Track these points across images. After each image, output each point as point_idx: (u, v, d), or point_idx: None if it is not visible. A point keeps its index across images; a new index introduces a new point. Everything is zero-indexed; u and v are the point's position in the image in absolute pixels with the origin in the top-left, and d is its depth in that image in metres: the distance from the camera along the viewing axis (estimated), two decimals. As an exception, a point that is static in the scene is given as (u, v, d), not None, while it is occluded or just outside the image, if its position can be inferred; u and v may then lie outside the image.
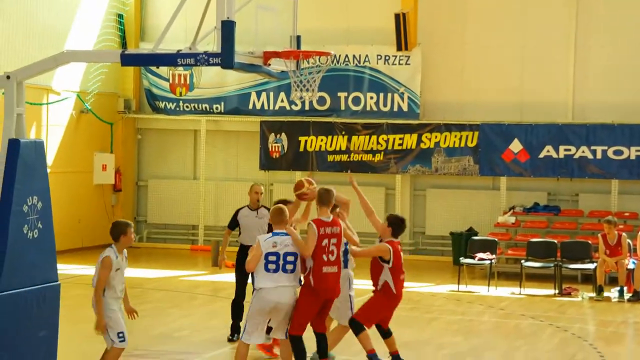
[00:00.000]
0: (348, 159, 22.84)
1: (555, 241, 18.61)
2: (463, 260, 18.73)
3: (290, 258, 9.54)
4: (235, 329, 12.14)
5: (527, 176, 21.65)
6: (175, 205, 24.38)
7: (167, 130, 24.58)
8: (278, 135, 23.28)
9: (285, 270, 9.51)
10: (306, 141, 23.08)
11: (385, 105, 22.64)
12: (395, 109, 22.56)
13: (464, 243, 20.12)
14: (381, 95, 22.66)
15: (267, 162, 23.50)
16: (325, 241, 9.68)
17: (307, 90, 16.40)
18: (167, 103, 24.11)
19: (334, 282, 9.78)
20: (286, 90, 21.34)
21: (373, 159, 22.67)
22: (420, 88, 22.39)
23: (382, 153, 22.57)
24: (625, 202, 21.09)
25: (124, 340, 9.43)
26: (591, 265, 17.75)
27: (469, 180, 22.28)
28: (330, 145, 22.92)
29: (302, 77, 15.83)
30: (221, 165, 24.34)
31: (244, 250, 11.94)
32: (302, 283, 9.81)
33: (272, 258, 9.47)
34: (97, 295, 9.31)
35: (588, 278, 18.38)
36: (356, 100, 22.86)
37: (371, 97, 22.74)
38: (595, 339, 13.00)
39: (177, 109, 24.05)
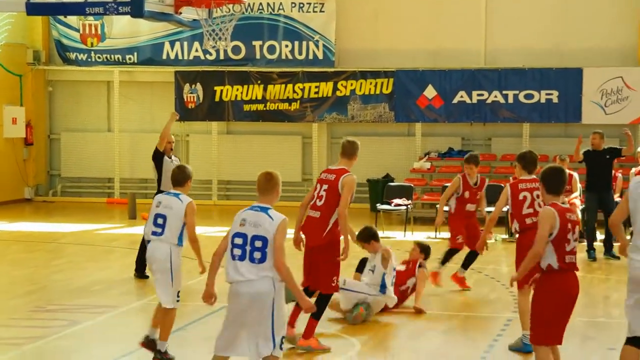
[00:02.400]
0: (264, 108, 22.76)
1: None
2: (380, 206, 18.93)
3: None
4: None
5: (441, 122, 21.91)
6: (90, 158, 24.03)
7: (79, 82, 24.11)
8: (193, 86, 23.05)
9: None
10: (222, 91, 22.91)
11: (300, 53, 22.56)
12: (311, 57, 22.51)
13: (380, 189, 20.31)
14: (296, 43, 22.57)
15: (183, 113, 23.23)
16: (318, 185, 9.37)
17: (220, 39, 16.29)
18: (78, 54, 23.60)
19: (311, 227, 9.29)
20: (200, 39, 21.06)
21: (289, 107, 22.64)
22: (335, 35, 22.36)
23: (298, 102, 22.55)
24: (536, 145, 21.45)
25: (178, 301, 8.77)
26: (504, 208, 18.04)
27: (384, 127, 22.45)
28: (246, 95, 22.79)
29: (215, 25, 15.71)
30: (136, 117, 24.02)
31: None
32: None
33: None
34: (196, 246, 8.33)
35: (501, 220, 18.74)
36: (271, 49, 22.73)
37: (286, 46, 22.63)
38: (508, 279, 13.31)
39: (89, 60, 23.58)
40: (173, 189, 8.97)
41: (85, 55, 23.57)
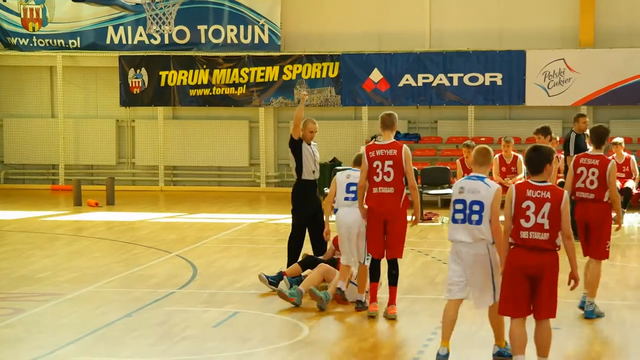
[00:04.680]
0: (210, 93, 22.65)
1: (416, 168, 19.01)
2: (327, 190, 18.93)
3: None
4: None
5: (387, 105, 21.95)
6: (33, 144, 23.71)
7: (21, 67, 23.75)
8: (138, 71, 22.84)
9: None
10: (167, 76, 22.74)
11: (246, 37, 22.47)
12: (256, 41, 22.43)
13: (328, 173, 20.34)
14: (241, 27, 22.47)
15: (128, 98, 23.07)
16: (377, 162, 9.84)
17: (164, 23, 16.21)
18: (19, 39, 23.23)
19: (389, 202, 9.82)
20: (144, 24, 20.92)
21: (235, 92, 22.56)
22: (281, 19, 22.30)
23: (245, 86, 22.47)
24: (481, 128, 21.75)
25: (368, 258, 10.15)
26: (450, 190, 18.24)
27: (331, 111, 22.48)
28: (192, 80, 22.66)
29: (158, 10, 15.62)
30: (80, 102, 23.74)
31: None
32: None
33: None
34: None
35: (447, 203, 18.89)
36: (216, 33, 22.60)
37: (231, 30, 22.52)
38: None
39: (31, 44, 23.23)
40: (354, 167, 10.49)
41: (27, 40, 23.21)
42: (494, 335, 8.41)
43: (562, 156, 17.87)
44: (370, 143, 10.44)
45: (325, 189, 18.88)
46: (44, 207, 19.97)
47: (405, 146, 10.01)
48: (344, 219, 10.35)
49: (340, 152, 22.10)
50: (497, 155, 16.81)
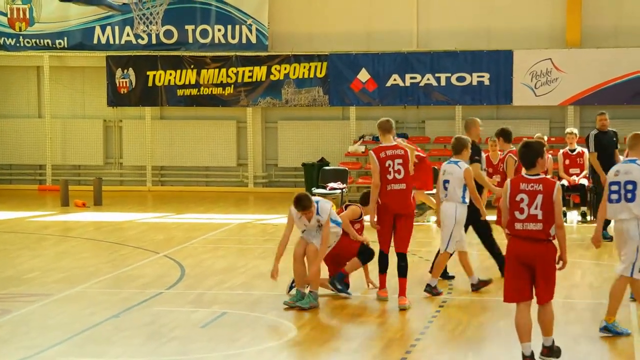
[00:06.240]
0: (198, 93, 22.64)
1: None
2: (315, 190, 18.96)
3: None
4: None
5: (375, 105, 22.04)
6: (21, 144, 23.66)
7: (8, 67, 23.69)
8: (125, 71, 22.81)
9: None
10: (154, 76, 22.72)
11: (233, 37, 22.46)
12: (244, 41, 22.42)
13: (316, 173, 20.38)
14: (229, 27, 22.45)
15: (115, 98, 23.03)
16: (388, 162, 10.56)
17: (152, 23, 16.19)
18: (6, 39, 23.16)
19: (401, 198, 10.58)
20: (132, 24, 20.86)
21: (223, 92, 22.55)
22: (268, 19, 22.30)
23: (232, 86, 22.47)
24: (469, 128, 21.72)
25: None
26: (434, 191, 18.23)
27: (319, 110, 22.49)
28: (180, 80, 22.64)
29: (145, 10, 15.60)
30: (67, 103, 23.70)
31: None
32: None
33: None
34: None
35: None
36: (204, 33, 22.58)
37: (219, 30, 22.50)
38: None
39: (18, 44, 23.16)
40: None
41: (14, 40, 23.13)
42: (607, 310, 9.12)
43: (551, 156, 17.94)
44: (375, 146, 10.89)
45: (313, 189, 18.91)
46: (31, 208, 19.92)
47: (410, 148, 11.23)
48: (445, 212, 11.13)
49: (328, 152, 22.12)
50: (485, 155, 16.77)
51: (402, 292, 10.49)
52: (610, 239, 14.92)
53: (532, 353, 7.93)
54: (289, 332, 9.49)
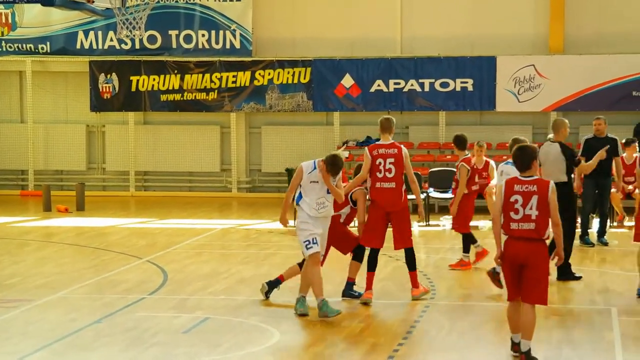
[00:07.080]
0: (182, 98, 22.60)
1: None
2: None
3: None
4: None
5: (359, 111, 22.06)
6: (2, 149, 23.55)
7: (-10, 72, 23.59)
8: (108, 76, 22.74)
9: None
10: (138, 81, 22.66)
11: (217, 42, 22.44)
12: (228, 46, 22.41)
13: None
14: (213, 32, 22.43)
15: (98, 103, 22.96)
16: (379, 160, 10.81)
17: (135, 28, 16.13)
18: (-12, 43, 23.07)
19: (391, 196, 10.83)
20: (115, 28, 20.80)
21: (207, 97, 22.51)
22: (252, 24, 22.30)
23: (216, 91, 22.44)
24: (452, 133, 21.53)
25: None
26: (422, 195, 18.26)
27: (303, 116, 22.49)
28: (163, 85, 22.59)
29: (129, 14, 15.54)
30: (50, 108, 23.60)
31: None
32: None
33: None
34: None
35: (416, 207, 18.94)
36: (188, 38, 22.55)
37: (203, 35, 22.48)
38: (426, 265, 13.48)
39: (0, 49, 23.05)
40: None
41: (-4, 44, 23.04)
42: None
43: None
44: (372, 143, 10.98)
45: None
46: (13, 213, 19.81)
47: (403, 147, 11.03)
48: None
49: (311, 158, 21.79)
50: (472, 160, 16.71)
51: (414, 284, 11.03)
52: (592, 245, 15.04)
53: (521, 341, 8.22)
54: (272, 337, 9.46)
